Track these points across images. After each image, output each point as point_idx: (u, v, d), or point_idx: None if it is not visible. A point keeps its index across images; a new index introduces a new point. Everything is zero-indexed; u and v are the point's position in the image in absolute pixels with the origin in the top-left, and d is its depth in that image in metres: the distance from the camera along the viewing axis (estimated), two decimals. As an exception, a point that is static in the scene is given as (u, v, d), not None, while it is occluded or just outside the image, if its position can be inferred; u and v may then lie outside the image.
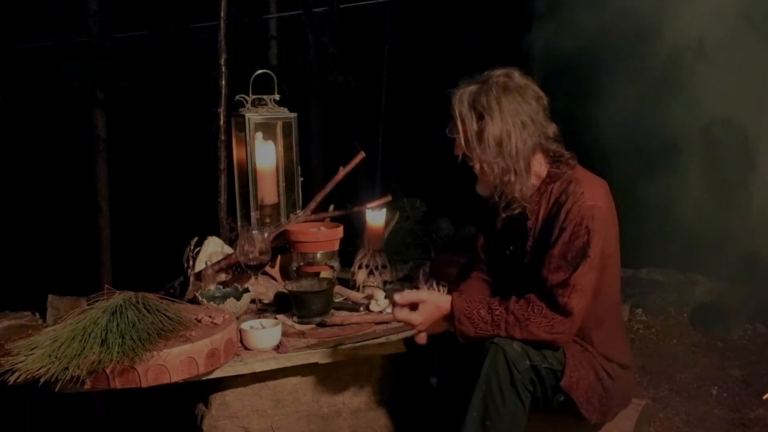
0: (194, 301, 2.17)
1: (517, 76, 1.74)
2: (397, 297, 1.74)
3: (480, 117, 1.72)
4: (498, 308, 1.68)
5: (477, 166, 1.77)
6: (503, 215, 1.82)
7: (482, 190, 1.82)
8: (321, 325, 2.09)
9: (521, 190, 1.75)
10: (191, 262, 2.35)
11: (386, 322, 2.11)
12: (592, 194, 1.69)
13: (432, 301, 1.74)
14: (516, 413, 1.63)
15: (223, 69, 2.81)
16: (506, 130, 1.70)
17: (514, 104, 1.71)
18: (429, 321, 1.75)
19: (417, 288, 2.18)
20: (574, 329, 1.68)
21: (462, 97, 1.75)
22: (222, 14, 2.84)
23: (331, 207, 2.67)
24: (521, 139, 1.71)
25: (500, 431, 1.62)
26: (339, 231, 2.44)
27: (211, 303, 2.10)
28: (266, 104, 2.65)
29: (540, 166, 1.79)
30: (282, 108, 2.68)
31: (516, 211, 1.79)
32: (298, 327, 2.08)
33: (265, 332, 1.93)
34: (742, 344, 3.31)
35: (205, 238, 2.49)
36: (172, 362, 1.64)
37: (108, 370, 1.59)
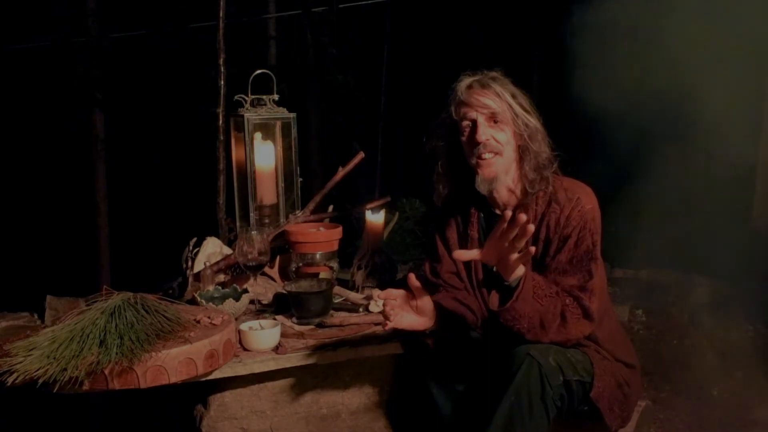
0: (193, 301, 2.16)
1: None
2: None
3: (514, 96, 1.75)
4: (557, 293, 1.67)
5: (506, 141, 1.74)
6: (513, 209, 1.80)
7: (489, 179, 1.75)
8: (320, 325, 2.08)
9: (533, 176, 1.75)
10: (190, 263, 2.34)
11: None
12: (587, 198, 1.73)
13: None
14: (540, 427, 1.62)
15: (222, 69, 2.80)
16: (537, 124, 1.75)
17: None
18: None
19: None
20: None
21: (489, 79, 1.76)
22: (221, 14, 2.83)
23: (331, 207, 2.67)
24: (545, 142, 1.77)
25: None
26: (338, 231, 2.43)
27: (210, 304, 2.09)
28: (265, 104, 2.65)
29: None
30: (281, 108, 2.68)
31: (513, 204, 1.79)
32: (297, 328, 2.07)
33: (264, 333, 1.92)
34: (742, 344, 3.30)
35: (204, 239, 2.48)
36: (171, 363, 1.64)
37: (106, 371, 1.58)
